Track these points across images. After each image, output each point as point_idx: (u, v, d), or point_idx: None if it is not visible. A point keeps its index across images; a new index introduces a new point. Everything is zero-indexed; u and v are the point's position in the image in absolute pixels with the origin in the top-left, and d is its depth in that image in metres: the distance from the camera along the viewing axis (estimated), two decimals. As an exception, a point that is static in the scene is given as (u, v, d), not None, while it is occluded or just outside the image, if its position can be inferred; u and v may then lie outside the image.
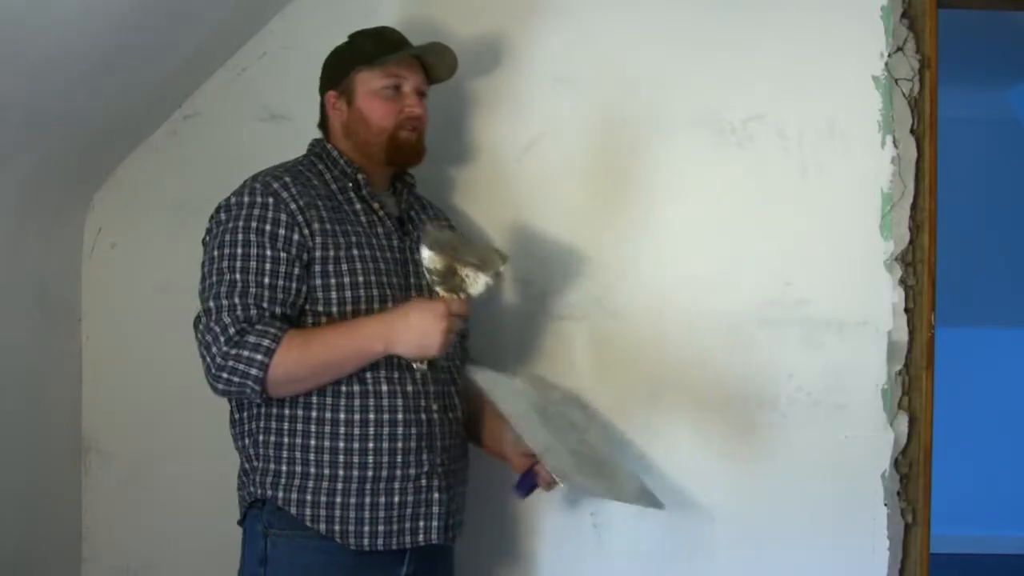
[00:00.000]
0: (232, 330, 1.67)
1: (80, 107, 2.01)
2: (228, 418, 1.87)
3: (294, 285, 1.75)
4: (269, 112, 2.28)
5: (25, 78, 1.77)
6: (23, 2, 1.60)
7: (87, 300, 2.30)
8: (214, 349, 1.68)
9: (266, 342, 1.67)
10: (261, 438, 1.80)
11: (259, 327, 1.68)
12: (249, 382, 1.68)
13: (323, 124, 1.97)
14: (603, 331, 2.23)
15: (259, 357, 1.66)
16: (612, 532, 2.23)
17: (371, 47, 1.90)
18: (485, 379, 1.88)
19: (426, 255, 1.69)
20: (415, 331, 1.69)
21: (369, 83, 1.88)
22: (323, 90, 1.96)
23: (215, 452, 2.02)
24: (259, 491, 1.80)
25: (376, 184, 1.92)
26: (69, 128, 2.04)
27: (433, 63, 1.96)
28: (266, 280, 1.72)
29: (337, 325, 1.76)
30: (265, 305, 1.71)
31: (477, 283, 1.71)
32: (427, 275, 1.70)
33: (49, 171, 2.09)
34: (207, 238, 1.81)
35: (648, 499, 1.94)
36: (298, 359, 1.69)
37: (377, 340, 1.71)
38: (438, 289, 1.70)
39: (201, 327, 1.72)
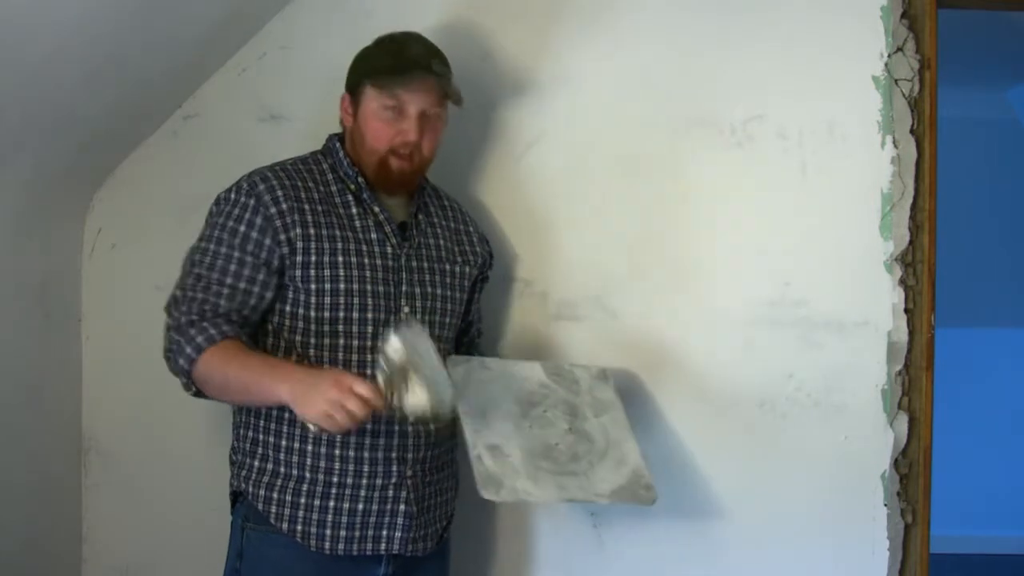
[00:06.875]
0: (183, 320, 1.73)
1: (80, 107, 2.01)
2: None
3: (256, 289, 1.77)
4: (269, 112, 2.28)
5: (25, 79, 1.77)
6: (23, 3, 1.60)
7: (87, 300, 2.30)
8: (168, 333, 1.75)
9: (200, 339, 1.70)
10: (242, 432, 1.84)
11: (204, 324, 1.71)
12: (180, 372, 1.73)
13: (343, 121, 1.93)
14: (603, 331, 2.23)
15: (188, 350, 1.70)
16: (612, 532, 2.23)
17: (385, 62, 1.84)
18: (458, 375, 1.80)
19: (393, 342, 1.57)
20: (311, 396, 1.59)
21: (372, 100, 1.83)
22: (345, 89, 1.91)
23: (215, 452, 2.02)
24: (235, 483, 1.84)
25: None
26: (69, 128, 2.04)
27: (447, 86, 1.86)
28: (228, 280, 1.75)
29: (266, 357, 1.75)
30: (221, 303, 1.74)
31: (417, 397, 1.56)
32: (381, 360, 1.59)
33: (49, 171, 2.09)
34: None
35: (635, 495, 1.81)
36: (216, 368, 1.69)
37: (280, 388, 1.64)
38: (379, 375, 1.58)
39: (166, 311, 1.77)
